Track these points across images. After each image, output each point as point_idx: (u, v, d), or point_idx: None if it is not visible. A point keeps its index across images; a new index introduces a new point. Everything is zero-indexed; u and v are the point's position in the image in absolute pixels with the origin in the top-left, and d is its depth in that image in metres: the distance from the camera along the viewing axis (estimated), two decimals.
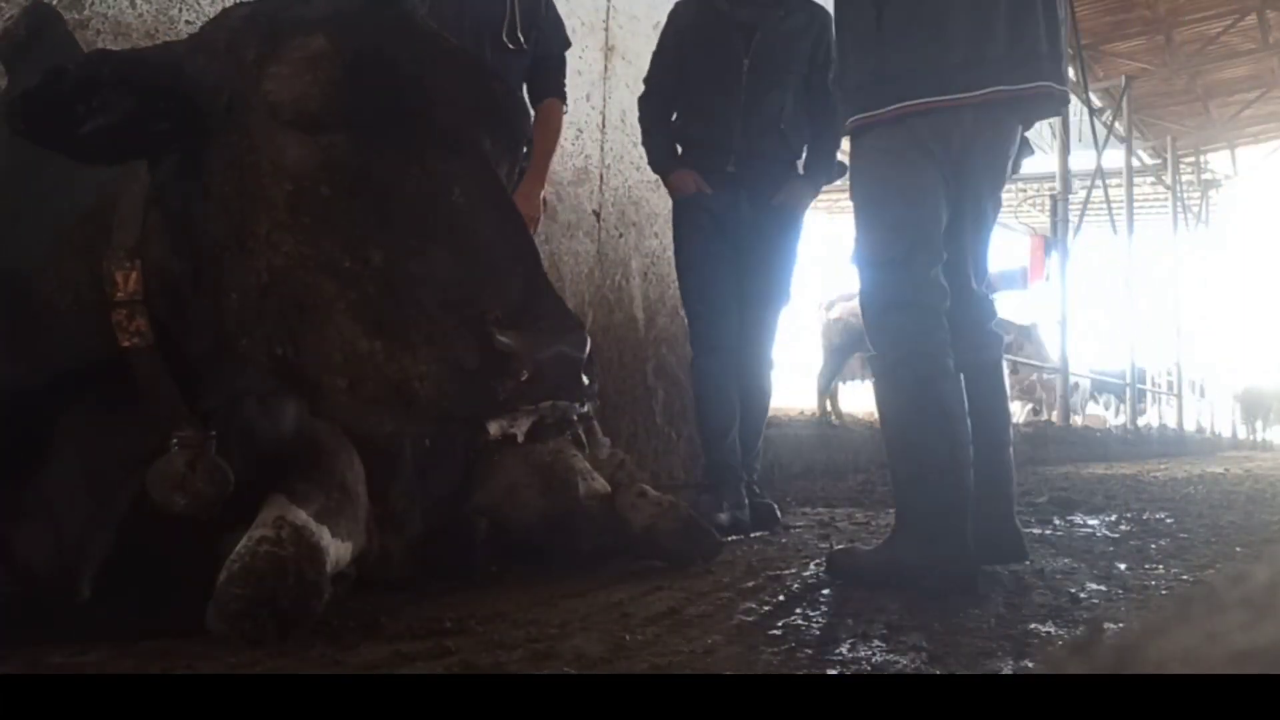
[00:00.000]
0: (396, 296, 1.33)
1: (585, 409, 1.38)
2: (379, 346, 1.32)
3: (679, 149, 3.82)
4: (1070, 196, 13.86)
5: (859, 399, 17.62)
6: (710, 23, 3.68)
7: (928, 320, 2.53)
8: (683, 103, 3.79)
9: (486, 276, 1.32)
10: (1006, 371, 2.93)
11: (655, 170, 3.91)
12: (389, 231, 1.36)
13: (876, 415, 2.78)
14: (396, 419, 1.36)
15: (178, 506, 1.63)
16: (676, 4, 3.85)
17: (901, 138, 2.54)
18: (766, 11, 3.65)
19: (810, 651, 1.75)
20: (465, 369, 1.27)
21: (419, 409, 1.31)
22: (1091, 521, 4.18)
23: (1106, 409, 20.42)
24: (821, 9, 3.67)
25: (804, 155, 3.83)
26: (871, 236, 2.60)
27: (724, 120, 3.66)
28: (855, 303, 2.87)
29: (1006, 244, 21.35)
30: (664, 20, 3.93)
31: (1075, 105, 14.73)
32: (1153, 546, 3.35)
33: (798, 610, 2.15)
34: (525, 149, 1.68)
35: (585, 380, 1.33)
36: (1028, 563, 2.83)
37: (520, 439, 1.33)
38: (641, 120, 3.88)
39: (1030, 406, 17.98)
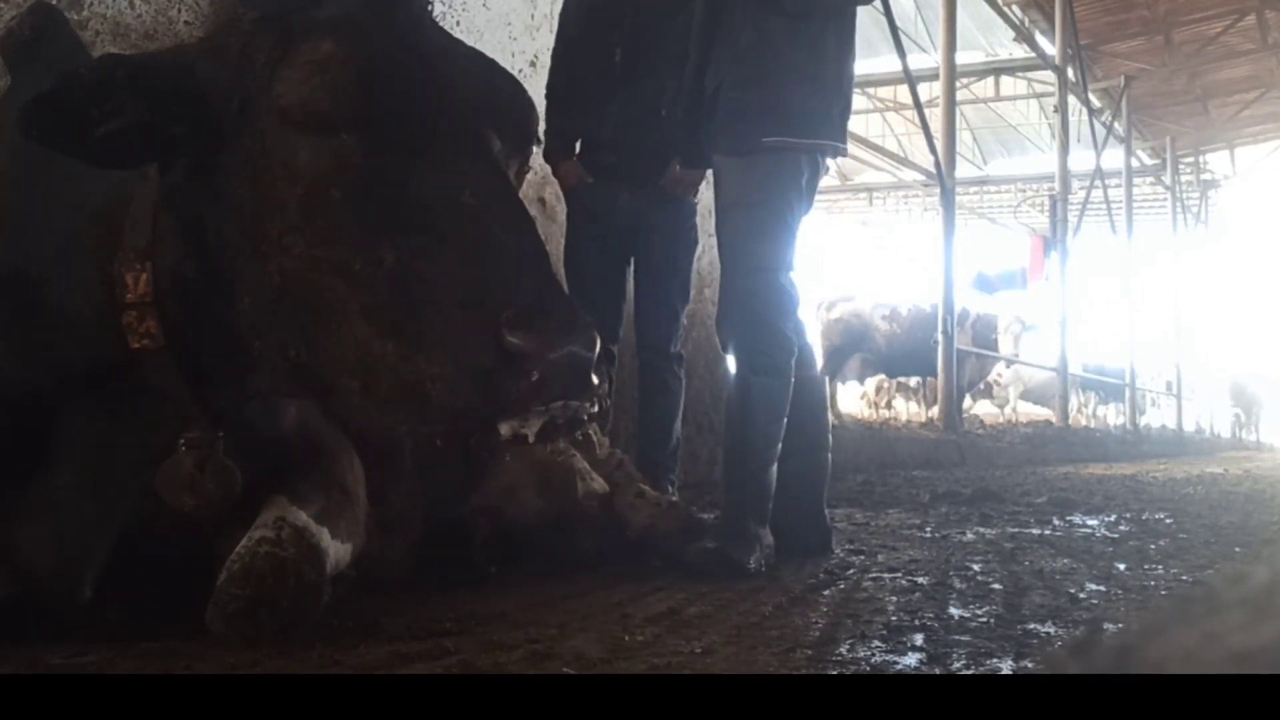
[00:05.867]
0: (409, 298, 1.33)
1: (596, 409, 1.37)
2: (392, 348, 1.32)
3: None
4: (1070, 196, 13.87)
5: (858, 399, 17.65)
6: (586, 15, 3.60)
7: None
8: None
9: (497, 277, 1.32)
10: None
11: (546, 161, 3.74)
12: (400, 233, 1.36)
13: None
14: (410, 419, 1.36)
15: (187, 507, 1.63)
16: (565, 3, 3.74)
17: (807, 166, 2.75)
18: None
19: (809, 652, 1.75)
20: (478, 370, 1.27)
21: (432, 410, 1.31)
22: (1091, 521, 4.18)
23: (1085, 407, 19.95)
24: None
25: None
26: (781, 245, 2.72)
27: (599, 112, 3.57)
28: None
29: (1006, 244, 21.36)
30: None
31: (1075, 105, 14.74)
32: (1152, 547, 3.35)
33: (796, 610, 2.15)
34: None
35: (595, 380, 1.33)
36: (1028, 564, 2.82)
37: (531, 439, 1.33)
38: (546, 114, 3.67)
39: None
